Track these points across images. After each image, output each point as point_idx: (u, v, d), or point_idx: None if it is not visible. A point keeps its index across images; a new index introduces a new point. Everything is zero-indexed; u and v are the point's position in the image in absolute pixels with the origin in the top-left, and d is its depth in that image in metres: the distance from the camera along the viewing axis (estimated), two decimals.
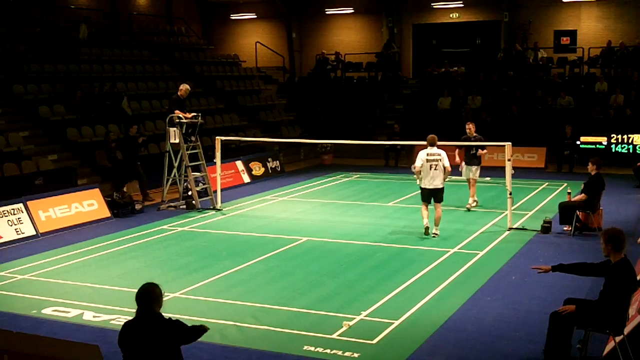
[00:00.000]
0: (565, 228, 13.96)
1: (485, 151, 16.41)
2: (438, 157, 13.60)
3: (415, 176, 14.08)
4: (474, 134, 16.31)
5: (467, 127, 16.41)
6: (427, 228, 13.94)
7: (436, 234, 13.83)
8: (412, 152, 25.20)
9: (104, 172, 19.20)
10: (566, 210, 13.81)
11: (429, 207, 13.98)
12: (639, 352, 7.29)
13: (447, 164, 13.65)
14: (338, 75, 32.67)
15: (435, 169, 13.57)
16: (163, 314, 5.92)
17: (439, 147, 13.75)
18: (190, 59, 28.52)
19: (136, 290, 5.92)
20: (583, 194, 13.59)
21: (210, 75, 27.89)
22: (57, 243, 13.96)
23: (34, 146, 19.06)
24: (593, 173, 13.70)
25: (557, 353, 7.42)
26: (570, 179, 20.29)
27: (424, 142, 14.04)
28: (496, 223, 14.96)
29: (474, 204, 16.58)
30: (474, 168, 16.35)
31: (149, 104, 23.03)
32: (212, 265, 12.05)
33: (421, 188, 13.85)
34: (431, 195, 13.80)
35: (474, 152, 16.24)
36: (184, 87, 17.55)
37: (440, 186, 13.72)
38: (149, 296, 5.79)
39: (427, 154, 13.64)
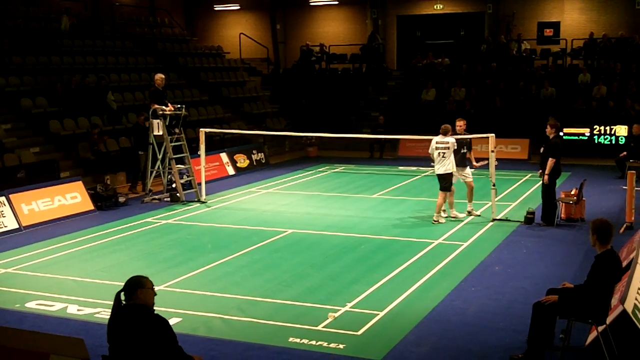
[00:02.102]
0: (541, 224, 13.97)
1: (479, 164, 15.14)
2: (447, 146, 13.94)
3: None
4: (465, 133, 14.77)
5: (457, 124, 14.73)
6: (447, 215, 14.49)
7: (435, 221, 14.29)
8: (396, 144, 25.30)
9: (87, 164, 19.11)
10: (549, 203, 13.84)
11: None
12: (621, 342, 7.37)
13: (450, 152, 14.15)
14: (322, 66, 32.64)
15: (442, 157, 13.97)
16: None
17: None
18: (174, 50, 28.37)
19: (120, 284, 5.91)
20: (551, 159, 13.49)
21: (194, 67, 27.76)
22: (41, 236, 13.88)
23: (16, 139, 18.92)
24: (552, 136, 13.71)
25: (540, 343, 7.47)
26: None
27: (409, 136, 14.36)
28: (480, 214, 15.01)
29: (469, 210, 14.95)
30: (467, 170, 14.81)
31: (132, 95, 22.91)
32: (196, 258, 12.03)
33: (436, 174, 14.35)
34: (438, 181, 14.26)
35: (464, 151, 14.68)
36: (159, 77, 17.44)
37: (442, 172, 14.07)
38: (131, 285, 5.79)
39: (437, 142, 14.09)
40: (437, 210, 14.34)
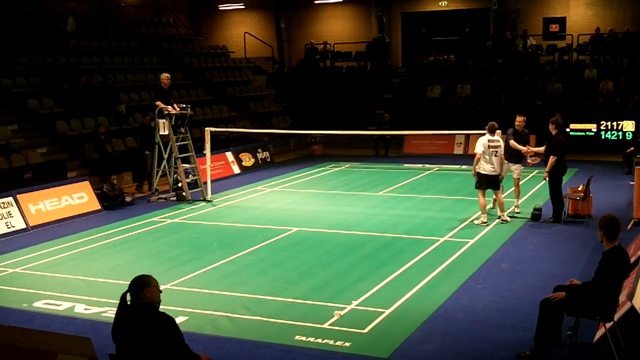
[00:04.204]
0: (549, 220, 13.92)
1: (532, 161, 14.73)
2: (499, 144, 13.74)
3: (472, 170, 14.08)
4: (524, 129, 14.64)
5: (517, 119, 14.62)
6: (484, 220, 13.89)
7: (506, 220, 13.89)
8: (402, 141, 25.28)
9: (94, 164, 19.15)
10: (556, 200, 13.78)
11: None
12: (629, 338, 7.35)
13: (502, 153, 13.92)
14: (327, 65, 32.62)
15: (495, 156, 13.69)
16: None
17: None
18: (179, 50, 28.40)
19: (127, 283, 5.92)
20: (552, 157, 13.42)
21: (199, 67, 27.80)
22: (48, 236, 13.92)
23: (23, 139, 18.96)
24: (554, 133, 13.66)
25: (547, 340, 7.46)
26: None
27: (414, 131, 14.25)
28: (486, 211, 14.96)
29: (517, 209, 14.76)
30: (513, 166, 14.64)
31: (138, 95, 22.95)
32: (202, 257, 12.05)
33: (479, 174, 13.79)
34: (489, 182, 13.76)
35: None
36: (164, 76, 17.47)
37: (493, 173, 13.75)
38: (137, 285, 5.80)
39: (489, 140, 13.71)
40: (502, 209, 13.97)
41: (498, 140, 13.77)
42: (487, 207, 14.33)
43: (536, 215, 14.04)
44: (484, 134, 13.83)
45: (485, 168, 13.70)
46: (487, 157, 13.64)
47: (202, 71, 27.59)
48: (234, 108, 26.68)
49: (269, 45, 34.23)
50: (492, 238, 12.82)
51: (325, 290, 10.13)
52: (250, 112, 27.17)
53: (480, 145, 13.69)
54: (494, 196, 14.28)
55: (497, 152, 13.71)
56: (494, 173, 13.71)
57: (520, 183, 15.04)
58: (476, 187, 13.93)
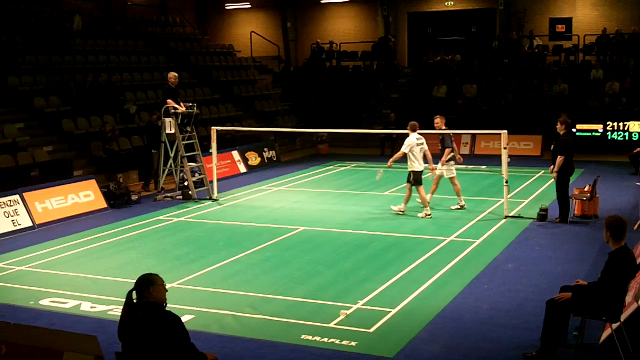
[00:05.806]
0: (555, 220, 13.92)
1: (434, 169, 15.10)
2: (423, 142, 14.61)
3: (380, 171, 15.16)
4: (444, 128, 15.13)
5: (434, 120, 15.14)
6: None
7: (429, 215, 14.59)
8: None
9: (100, 163, 19.19)
10: (562, 200, 13.77)
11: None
12: (636, 339, 7.33)
13: (427, 148, 14.80)
14: (333, 64, 32.61)
15: (422, 152, 14.55)
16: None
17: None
18: (185, 49, 28.42)
19: (133, 281, 5.93)
20: (559, 157, 13.44)
21: (205, 66, 27.81)
22: (54, 234, 13.96)
23: (30, 138, 19.00)
24: (562, 133, 13.67)
25: (553, 340, 7.44)
26: None
27: (420, 131, 14.53)
28: (492, 211, 14.98)
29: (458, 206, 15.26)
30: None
31: (144, 94, 22.98)
32: (208, 256, 12.06)
33: (416, 172, 14.50)
34: (419, 178, 14.57)
35: (440, 148, 15.19)
36: (172, 75, 17.51)
37: (422, 169, 14.64)
38: (143, 283, 5.81)
39: (417, 139, 14.46)
40: (426, 204, 14.62)
41: (422, 138, 14.54)
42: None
43: (542, 215, 14.02)
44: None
45: (418, 165, 14.42)
46: (416, 154, 14.40)
47: (209, 70, 27.60)
48: (240, 107, 26.69)
49: (275, 44, 34.24)
50: (498, 238, 12.80)
51: (331, 289, 10.13)
52: (257, 111, 27.17)
53: (408, 145, 14.38)
54: (418, 192, 14.69)
55: (423, 149, 14.50)
56: (421, 169, 14.52)
57: (528, 183, 15.00)
58: (414, 184, 14.56)
